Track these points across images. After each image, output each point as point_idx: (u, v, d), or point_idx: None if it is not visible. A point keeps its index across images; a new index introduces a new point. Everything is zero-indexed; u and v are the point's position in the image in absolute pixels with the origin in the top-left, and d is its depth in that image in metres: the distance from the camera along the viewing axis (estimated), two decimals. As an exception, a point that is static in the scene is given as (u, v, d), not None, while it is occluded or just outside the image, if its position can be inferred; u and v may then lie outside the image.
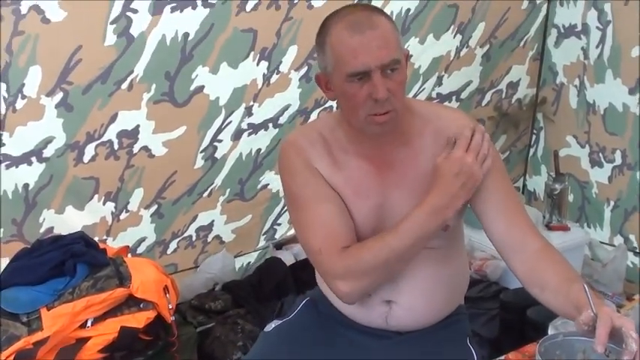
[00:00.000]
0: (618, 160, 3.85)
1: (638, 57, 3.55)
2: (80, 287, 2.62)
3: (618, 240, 3.97)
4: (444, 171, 1.96)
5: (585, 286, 1.72)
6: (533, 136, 4.40)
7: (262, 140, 3.42)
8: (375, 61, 1.88)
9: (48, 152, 2.86)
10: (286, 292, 3.49)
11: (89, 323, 2.60)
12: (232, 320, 3.34)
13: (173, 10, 2.82)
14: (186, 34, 2.91)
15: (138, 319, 2.65)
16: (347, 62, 1.90)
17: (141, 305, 2.67)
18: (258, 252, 3.82)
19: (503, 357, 2.01)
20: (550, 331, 2.35)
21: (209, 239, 3.59)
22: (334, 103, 3.40)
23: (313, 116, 3.47)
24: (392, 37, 1.92)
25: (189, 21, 2.89)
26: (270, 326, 2.31)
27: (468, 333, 2.27)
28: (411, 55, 1.86)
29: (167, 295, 2.74)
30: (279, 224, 3.78)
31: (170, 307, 2.74)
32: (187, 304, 3.44)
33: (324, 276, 2.08)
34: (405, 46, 3.48)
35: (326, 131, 2.11)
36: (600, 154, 3.92)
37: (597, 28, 3.72)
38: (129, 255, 3.04)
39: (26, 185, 2.88)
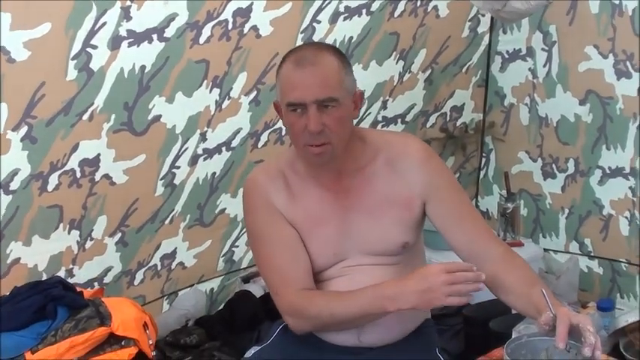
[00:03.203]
0: (571, 169, 4.02)
1: (585, 72, 3.76)
2: (62, 329, 2.70)
3: (574, 246, 4.13)
4: (416, 276, 1.98)
5: (543, 290, 1.86)
6: (483, 159, 4.54)
7: (217, 164, 3.50)
8: (310, 96, 2.01)
9: (14, 185, 2.90)
10: (259, 323, 3.56)
11: (73, 363, 2.66)
12: (208, 353, 3.42)
13: (130, 44, 2.91)
14: (143, 67, 3.00)
15: (120, 357, 2.72)
16: (287, 94, 2.05)
17: (122, 343, 2.73)
18: (220, 278, 3.91)
19: (473, 362, 2.10)
20: (514, 335, 2.47)
21: (173, 267, 3.66)
22: (283, 126, 3.59)
23: (263, 138, 3.58)
24: (333, 75, 2.05)
25: (145, 54, 2.99)
26: (250, 352, 2.41)
27: (436, 343, 2.37)
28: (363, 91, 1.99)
29: (147, 331, 2.81)
30: (237, 246, 3.87)
31: (150, 342, 2.81)
32: (162, 340, 3.46)
33: (279, 310, 2.22)
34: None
35: (286, 166, 2.23)
36: (553, 165, 4.10)
37: (543, 49, 3.93)
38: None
39: (-7, 219, 2.92)
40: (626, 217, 3.85)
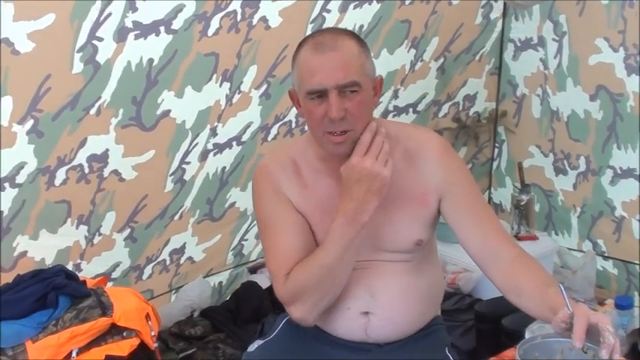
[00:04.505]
0: (582, 167, 3.96)
1: (595, 65, 3.69)
2: (64, 319, 2.68)
3: (587, 245, 4.06)
4: (345, 179, 2.01)
5: (561, 286, 1.81)
6: (496, 150, 4.48)
7: (227, 159, 3.49)
8: (331, 81, 1.95)
9: (20, 178, 2.88)
10: (264, 315, 3.52)
11: (74, 354, 2.65)
12: (213, 345, 3.40)
13: (137, 37, 2.88)
14: (150, 60, 2.97)
15: (122, 348, 2.70)
16: (306, 80, 1.98)
17: (124, 334, 2.72)
18: (229, 271, 3.89)
19: (483, 364, 2.06)
20: (527, 336, 2.41)
21: (181, 261, 3.65)
22: (293, 118, 3.53)
23: (273, 132, 3.56)
24: (354, 60, 1.98)
25: (153, 47, 2.95)
26: (253, 346, 2.36)
27: (446, 342, 2.32)
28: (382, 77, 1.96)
29: (149, 322, 2.79)
30: (246, 240, 3.86)
31: (153, 334, 2.79)
32: (167, 331, 3.46)
33: (280, 300, 2.14)
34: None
35: (297, 154, 2.17)
36: (565, 161, 4.04)
37: (553, 39, 3.88)
38: (109, 284, 3.11)
39: (-1, 212, 2.91)
40: (639, 220, 3.80)
